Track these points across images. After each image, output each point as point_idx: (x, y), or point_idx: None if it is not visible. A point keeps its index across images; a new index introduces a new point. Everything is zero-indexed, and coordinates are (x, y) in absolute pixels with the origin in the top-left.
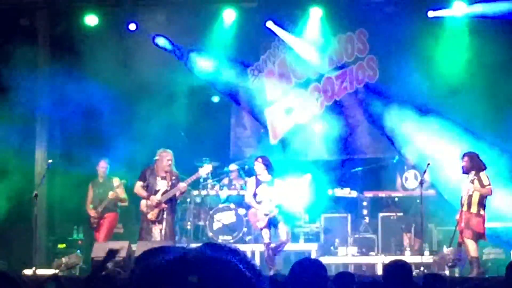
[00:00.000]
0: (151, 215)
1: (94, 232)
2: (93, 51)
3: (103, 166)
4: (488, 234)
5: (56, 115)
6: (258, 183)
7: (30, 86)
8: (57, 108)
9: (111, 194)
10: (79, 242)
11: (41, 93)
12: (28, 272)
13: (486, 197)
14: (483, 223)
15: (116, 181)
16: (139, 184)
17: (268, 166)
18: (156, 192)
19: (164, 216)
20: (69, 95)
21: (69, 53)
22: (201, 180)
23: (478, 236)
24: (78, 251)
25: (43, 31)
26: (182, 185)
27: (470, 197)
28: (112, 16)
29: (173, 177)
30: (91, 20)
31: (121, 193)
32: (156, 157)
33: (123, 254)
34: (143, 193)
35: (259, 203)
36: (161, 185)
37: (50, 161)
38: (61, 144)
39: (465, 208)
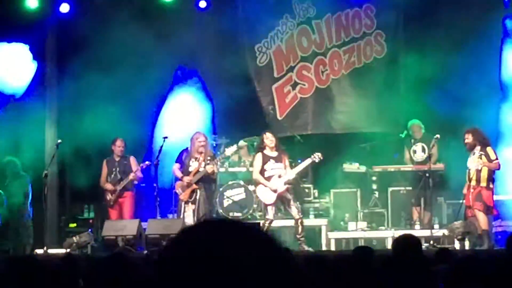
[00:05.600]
0: (183, 196)
1: (109, 210)
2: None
3: (120, 145)
4: (498, 207)
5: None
6: (265, 158)
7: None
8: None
9: (131, 176)
10: (90, 221)
11: (50, 77)
12: (39, 251)
13: (494, 171)
14: (492, 196)
15: (132, 159)
16: (175, 166)
17: (276, 141)
18: (188, 173)
19: (197, 196)
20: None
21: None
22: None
23: (488, 209)
24: (89, 230)
25: None
26: (209, 167)
27: (479, 172)
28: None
29: (208, 158)
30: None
31: (139, 172)
32: (190, 139)
33: (133, 232)
34: (178, 174)
35: (267, 179)
36: (193, 166)
37: (59, 140)
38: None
39: (473, 183)
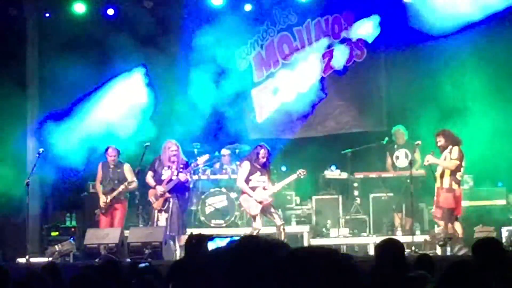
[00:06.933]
0: (156, 204)
1: (100, 216)
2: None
3: (112, 155)
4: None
5: (47, 102)
6: (253, 169)
7: (21, 73)
8: (47, 94)
9: (122, 188)
10: (72, 229)
11: (31, 80)
12: (21, 260)
13: (457, 170)
14: (454, 197)
15: (127, 167)
16: (149, 174)
17: (268, 156)
18: (161, 181)
19: (170, 205)
20: (59, 82)
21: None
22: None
23: (450, 213)
24: (71, 238)
25: (32, 19)
26: (181, 175)
27: (442, 172)
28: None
29: (181, 165)
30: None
31: (131, 185)
32: (162, 148)
33: (115, 240)
34: (152, 182)
35: (252, 189)
36: (166, 174)
37: (41, 149)
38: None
39: (438, 184)
